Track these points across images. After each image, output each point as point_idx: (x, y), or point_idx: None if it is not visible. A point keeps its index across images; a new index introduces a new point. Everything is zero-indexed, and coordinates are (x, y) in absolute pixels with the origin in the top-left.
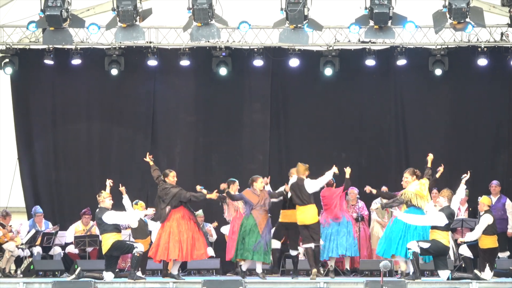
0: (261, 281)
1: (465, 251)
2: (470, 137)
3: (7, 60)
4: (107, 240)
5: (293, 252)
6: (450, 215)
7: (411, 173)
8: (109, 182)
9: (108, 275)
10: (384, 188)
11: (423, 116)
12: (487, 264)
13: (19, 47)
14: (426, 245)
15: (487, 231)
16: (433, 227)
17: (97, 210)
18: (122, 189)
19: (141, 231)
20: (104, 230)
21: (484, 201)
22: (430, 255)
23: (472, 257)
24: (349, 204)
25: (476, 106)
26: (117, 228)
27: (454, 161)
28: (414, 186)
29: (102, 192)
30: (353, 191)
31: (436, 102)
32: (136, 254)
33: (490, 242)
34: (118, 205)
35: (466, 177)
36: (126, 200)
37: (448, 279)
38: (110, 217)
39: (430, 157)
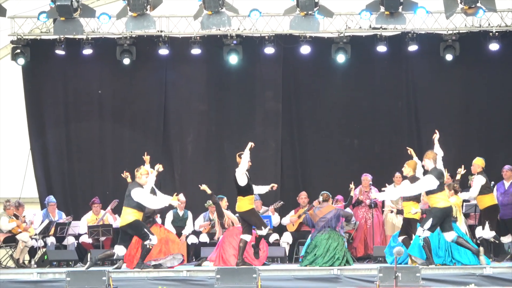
0: (274, 269)
1: (482, 233)
2: (482, 122)
3: (18, 50)
4: (127, 215)
5: (264, 231)
6: (439, 174)
7: (450, 188)
8: (157, 167)
9: (120, 249)
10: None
11: (435, 102)
12: (487, 222)
13: (30, 37)
14: (429, 223)
15: (482, 191)
16: (428, 193)
17: (131, 182)
18: (147, 158)
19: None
20: (128, 203)
21: (477, 163)
22: (439, 225)
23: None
24: (362, 191)
25: (488, 90)
26: (140, 207)
27: (466, 146)
28: (454, 199)
29: (141, 167)
30: (367, 177)
31: (448, 88)
32: (148, 246)
33: (489, 200)
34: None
35: (436, 136)
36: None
37: (452, 240)
38: (137, 195)
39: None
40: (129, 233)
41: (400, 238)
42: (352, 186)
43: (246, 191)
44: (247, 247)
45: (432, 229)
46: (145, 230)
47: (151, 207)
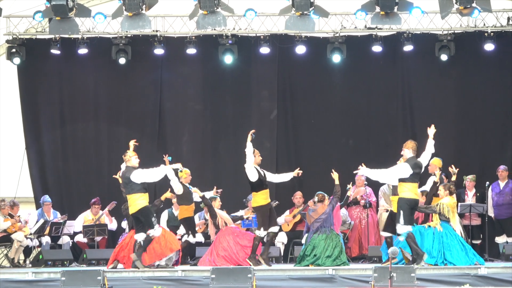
0: (269, 269)
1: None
2: (478, 122)
3: (14, 50)
4: (136, 201)
5: (263, 233)
6: (415, 165)
7: (445, 188)
8: (132, 142)
9: (140, 236)
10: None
11: (430, 102)
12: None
13: (25, 37)
14: (401, 218)
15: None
16: (400, 180)
17: (123, 169)
18: (166, 161)
19: (185, 197)
20: (131, 189)
21: (434, 163)
22: (411, 219)
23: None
24: (356, 190)
25: (484, 91)
26: (144, 188)
27: (461, 146)
28: (447, 199)
29: (127, 151)
30: (361, 177)
31: (443, 88)
32: (150, 235)
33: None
34: None
35: (432, 130)
36: (169, 170)
37: (401, 235)
38: (138, 176)
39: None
40: (140, 220)
41: (385, 235)
42: (350, 186)
43: (259, 186)
44: (237, 249)
45: (408, 222)
46: (153, 218)
47: (155, 179)
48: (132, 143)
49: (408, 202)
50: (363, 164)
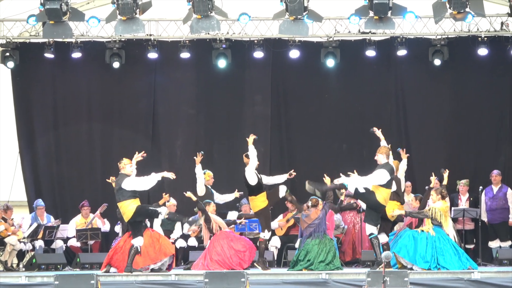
0: (263, 273)
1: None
2: (471, 127)
3: (7, 54)
4: (128, 207)
5: (268, 235)
6: (391, 170)
7: (437, 193)
8: (141, 154)
9: (138, 240)
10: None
11: (424, 106)
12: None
13: (19, 41)
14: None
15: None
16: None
17: (117, 177)
18: (198, 159)
19: (207, 199)
20: (122, 196)
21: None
22: (363, 201)
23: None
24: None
25: (477, 95)
26: (134, 195)
27: (454, 150)
28: (440, 204)
29: (123, 158)
30: None
31: (437, 92)
32: (163, 217)
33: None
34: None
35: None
36: (198, 168)
37: (370, 235)
38: (129, 184)
39: (446, 173)
40: (138, 221)
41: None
42: (343, 190)
43: (258, 189)
44: (231, 253)
45: (375, 223)
46: (150, 208)
47: (146, 188)
48: (140, 155)
49: (373, 201)
50: (341, 174)
